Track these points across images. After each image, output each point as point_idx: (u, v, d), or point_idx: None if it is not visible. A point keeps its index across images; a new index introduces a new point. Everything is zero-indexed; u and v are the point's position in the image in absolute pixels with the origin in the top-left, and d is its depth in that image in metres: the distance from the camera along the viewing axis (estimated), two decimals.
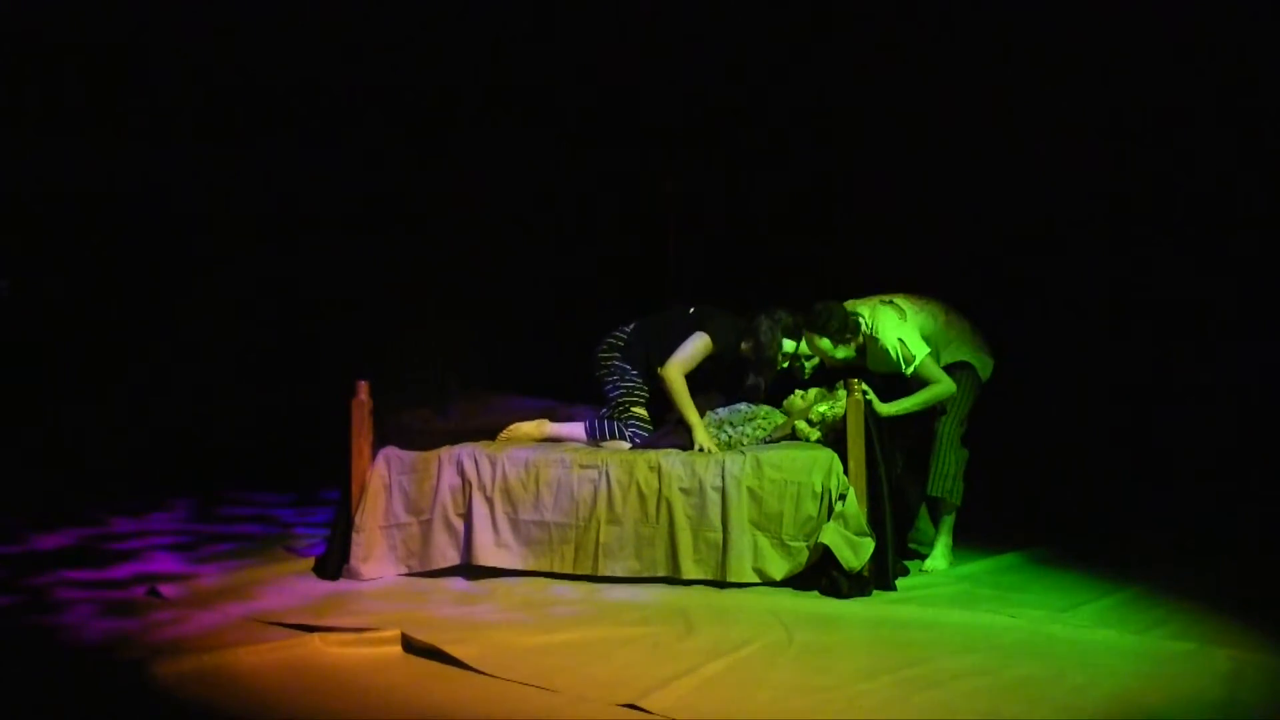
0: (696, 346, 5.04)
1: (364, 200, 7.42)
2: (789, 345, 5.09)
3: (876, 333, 4.95)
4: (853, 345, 5.05)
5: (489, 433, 5.04)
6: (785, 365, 5.16)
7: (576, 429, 5.06)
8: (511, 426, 5.06)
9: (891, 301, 5.02)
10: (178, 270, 7.46)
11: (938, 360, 4.94)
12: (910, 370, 4.89)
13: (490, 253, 7.26)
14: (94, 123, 7.08)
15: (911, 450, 5.11)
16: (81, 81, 6.99)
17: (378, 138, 7.32)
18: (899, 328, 4.92)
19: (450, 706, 3.22)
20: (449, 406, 5.10)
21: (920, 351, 4.87)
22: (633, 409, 5.09)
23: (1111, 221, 6.35)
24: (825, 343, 5.04)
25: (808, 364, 5.20)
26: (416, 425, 4.95)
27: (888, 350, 4.91)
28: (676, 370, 4.99)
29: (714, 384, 5.20)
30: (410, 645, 3.70)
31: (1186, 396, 6.15)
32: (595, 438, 5.01)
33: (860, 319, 5.00)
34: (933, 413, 4.98)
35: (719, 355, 5.09)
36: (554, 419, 5.12)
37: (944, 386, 4.88)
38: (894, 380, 4.98)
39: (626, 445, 4.96)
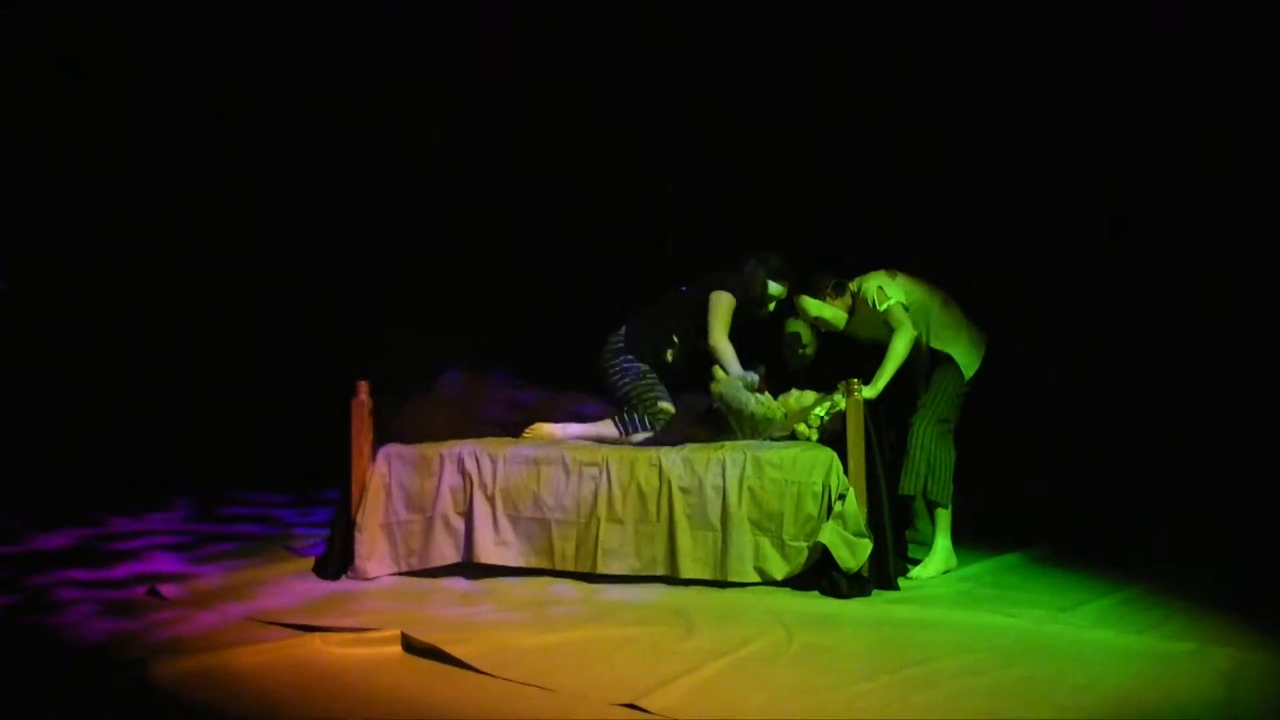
0: (721, 305, 5.15)
1: (364, 199, 7.42)
2: (775, 289, 5.22)
3: (862, 285, 5.08)
4: (839, 304, 5.17)
5: (498, 428, 5.05)
6: (773, 308, 5.29)
7: (605, 428, 5.05)
8: (534, 426, 5.05)
9: (893, 270, 5.14)
10: (177, 269, 7.46)
11: (925, 339, 5.00)
12: (884, 307, 4.96)
13: (489, 252, 7.26)
14: (92, 122, 7.08)
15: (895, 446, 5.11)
16: (83, 81, 6.99)
17: (378, 137, 7.32)
18: (883, 280, 5.05)
19: (450, 706, 3.22)
20: (446, 376, 5.10)
21: (896, 297, 4.97)
22: (659, 403, 5.10)
23: (1111, 219, 6.35)
24: (806, 301, 5.18)
25: (807, 350, 5.24)
26: (411, 409, 4.96)
27: (867, 297, 5.01)
28: (718, 337, 5.11)
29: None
30: (410, 645, 3.69)
31: (1187, 396, 6.15)
32: (626, 432, 5.02)
33: (853, 283, 5.15)
34: (909, 408, 4.98)
35: (744, 302, 5.21)
36: (552, 411, 5.11)
37: (905, 333, 4.90)
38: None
39: (647, 435, 4.98)
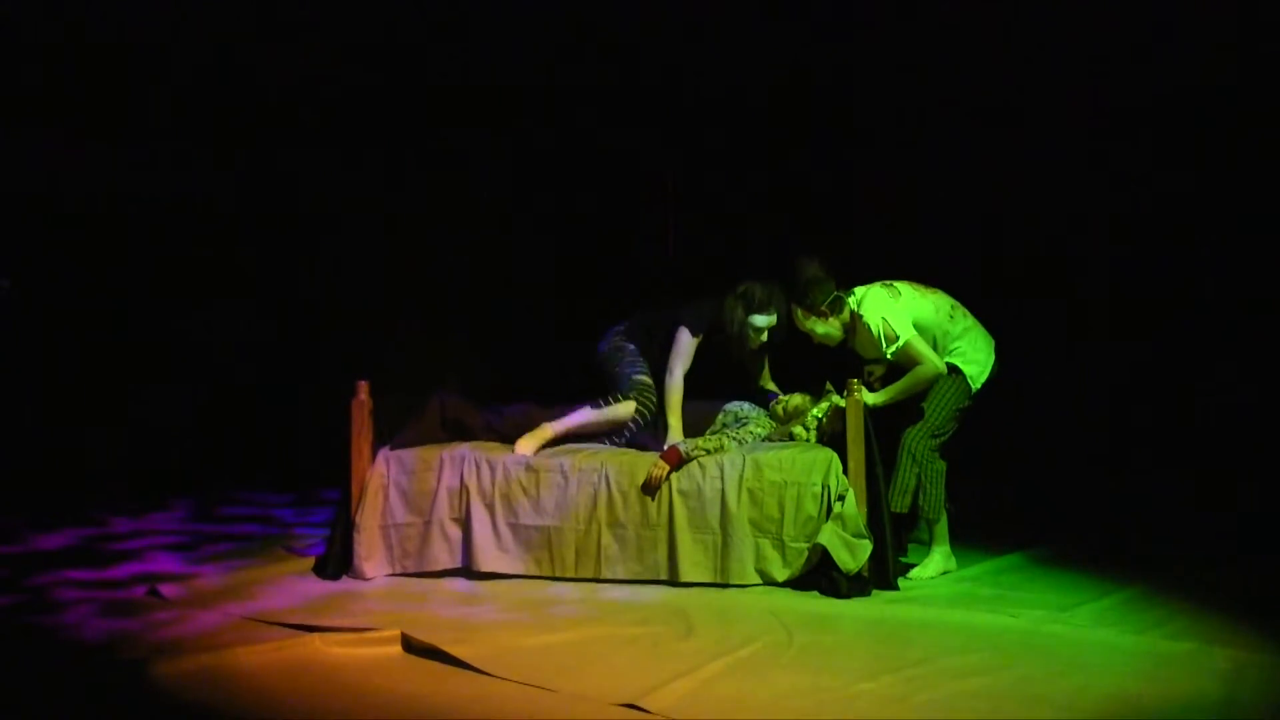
0: (681, 342, 4.98)
1: (364, 200, 7.42)
2: (761, 320, 4.94)
3: (862, 308, 4.82)
4: (834, 322, 4.91)
5: (497, 436, 5.01)
6: (765, 339, 5.01)
7: (580, 414, 4.95)
8: (540, 428, 4.91)
9: (891, 284, 4.88)
10: (178, 270, 7.46)
11: (938, 352, 4.79)
12: (891, 350, 4.74)
13: (488, 252, 7.26)
14: (94, 123, 7.08)
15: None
16: (81, 81, 6.99)
17: (377, 138, 7.32)
18: (886, 306, 4.77)
19: (450, 706, 3.22)
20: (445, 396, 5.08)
21: (905, 333, 4.71)
22: (634, 377, 4.98)
23: (1110, 222, 6.35)
24: (800, 314, 4.93)
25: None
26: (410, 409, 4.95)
27: (870, 328, 4.77)
28: (677, 375, 4.94)
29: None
30: (410, 645, 3.70)
31: (1187, 396, 6.15)
32: (601, 406, 4.92)
33: (851, 297, 4.89)
34: (902, 418, 4.84)
35: (709, 337, 5.01)
36: (549, 419, 5.08)
37: (930, 366, 4.70)
38: (893, 380, 4.93)
39: (632, 405, 4.90)
